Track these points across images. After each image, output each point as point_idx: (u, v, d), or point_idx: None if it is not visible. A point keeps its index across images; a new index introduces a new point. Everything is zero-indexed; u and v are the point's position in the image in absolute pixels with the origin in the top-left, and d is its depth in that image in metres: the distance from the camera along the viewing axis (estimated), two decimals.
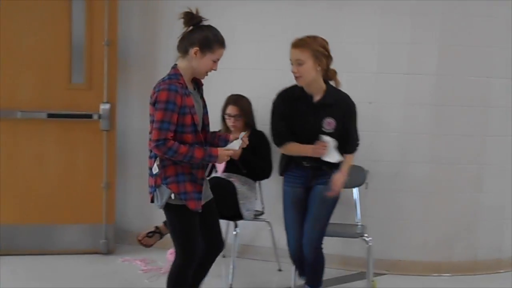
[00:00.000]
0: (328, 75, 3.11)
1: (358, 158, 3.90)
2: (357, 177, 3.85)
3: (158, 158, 2.75)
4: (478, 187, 4.15)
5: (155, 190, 2.80)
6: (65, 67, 4.21)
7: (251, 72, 4.25)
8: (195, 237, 2.85)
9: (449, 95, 4.05)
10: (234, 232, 3.78)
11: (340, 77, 3.99)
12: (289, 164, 3.22)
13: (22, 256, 4.15)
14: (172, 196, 2.76)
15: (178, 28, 4.40)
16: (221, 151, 2.79)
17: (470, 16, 3.99)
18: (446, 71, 4.02)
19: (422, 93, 4.03)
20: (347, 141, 3.14)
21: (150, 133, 2.74)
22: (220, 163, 2.91)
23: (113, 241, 4.36)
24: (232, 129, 3.96)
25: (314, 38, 3.02)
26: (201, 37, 2.74)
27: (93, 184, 4.29)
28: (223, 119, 4.00)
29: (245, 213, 3.78)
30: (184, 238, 2.84)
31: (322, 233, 3.17)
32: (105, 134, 4.26)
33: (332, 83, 3.18)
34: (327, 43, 3.06)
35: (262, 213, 4.06)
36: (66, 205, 4.28)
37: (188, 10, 2.77)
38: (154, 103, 2.71)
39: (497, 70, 4.09)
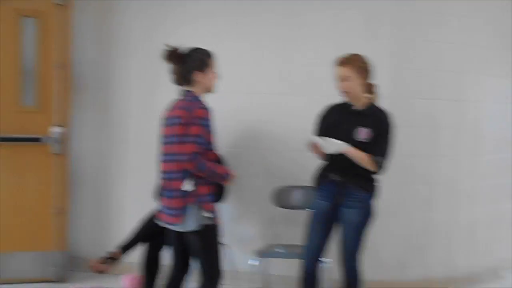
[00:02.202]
0: (369, 88, 3.25)
1: (308, 180, 3.90)
2: (310, 198, 3.85)
3: (189, 177, 2.79)
4: (429, 206, 4.22)
5: (184, 211, 2.79)
6: (14, 88, 4.08)
7: (215, 95, 4.21)
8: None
9: (400, 116, 4.08)
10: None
11: (297, 99, 4.05)
12: (320, 177, 3.31)
13: None
14: (207, 214, 2.82)
15: (134, 49, 4.41)
16: (233, 175, 2.98)
17: (419, 40, 4.11)
18: (397, 93, 4.08)
19: None
20: (370, 150, 3.12)
21: (174, 154, 2.79)
22: (228, 184, 3.03)
23: (65, 269, 4.21)
24: None
25: (356, 55, 3.21)
26: (195, 62, 2.91)
27: (44, 209, 4.14)
28: None
29: None
30: (216, 258, 2.92)
31: (354, 252, 3.23)
32: (57, 158, 4.14)
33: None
34: (368, 59, 3.23)
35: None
36: (15, 231, 4.10)
37: (168, 49, 2.91)
38: (188, 121, 2.77)
39: (445, 92, 4.21)
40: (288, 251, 3.75)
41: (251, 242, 4.14)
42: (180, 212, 2.80)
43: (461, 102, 4.28)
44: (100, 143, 4.48)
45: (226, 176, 2.93)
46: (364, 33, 4.07)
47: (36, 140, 4.08)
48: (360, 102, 3.21)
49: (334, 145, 3.07)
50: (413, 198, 4.19)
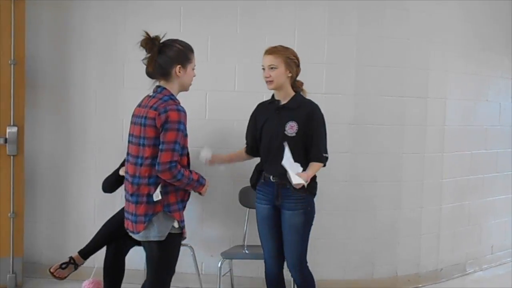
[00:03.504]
0: (296, 85, 3.28)
1: None
2: None
3: (161, 184, 2.67)
4: (396, 204, 4.28)
5: (150, 219, 2.67)
6: None
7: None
8: None
9: (367, 114, 4.18)
10: None
11: (261, 96, 4.08)
12: (259, 178, 3.31)
13: None
14: (176, 224, 2.71)
15: (94, 45, 4.34)
16: (207, 181, 2.86)
17: (385, 37, 4.16)
18: (363, 91, 4.15)
19: (341, 112, 4.12)
20: (310, 149, 3.16)
21: (147, 158, 2.65)
22: (204, 192, 2.91)
23: (22, 275, 4.11)
24: None
25: (286, 47, 3.26)
26: (176, 53, 2.76)
27: (0, 214, 4.04)
28: None
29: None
30: (171, 271, 2.79)
31: (301, 256, 3.23)
32: (12, 159, 4.03)
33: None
34: (297, 54, 3.27)
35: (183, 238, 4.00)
36: None
37: (145, 36, 2.75)
38: (162, 125, 2.63)
39: (411, 90, 4.27)
40: (255, 253, 3.73)
41: (217, 243, 4.14)
42: (145, 219, 2.67)
43: (427, 99, 4.34)
44: (56, 143, 4.37)
45: (201, 180, 2.81)
46: (328, 29, 4.09)
47: None
48: (285, 95, 3.24)
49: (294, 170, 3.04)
50: (381, 196, 4.24)
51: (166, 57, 2.74)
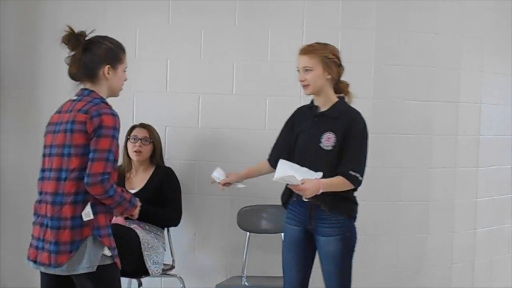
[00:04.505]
0: (340, 87, 3.17)
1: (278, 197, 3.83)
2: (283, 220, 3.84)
3: (90, 202, 2.58)
4: (423, 228, 4.19)
5: (78, 247, 2.55)
6: None
7: (156, 96, 4.15)
8: None
9: (387, 121, 4.10)
10: None
11: (263, 100, 4.03)
12: (291, 196, 3.22)
13: None
14: (107, 252, 2.60)
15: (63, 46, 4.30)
16: (138, 200, 2.79)
17: (409, 31, 4.11)
18: (383, 94, 4.08)
19: None
20: (340, 161, 3.03)
21: (74, 170, 2.57)
22: (136, 215, 2.85)
23: None
24: (135, 157, 3.83)
25: (324, 44, 3.16)
26: (104, 52, 2.73)
27: None
28: (125, 146, 3.87)
29: (151, 267, 3.65)
30: None
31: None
32: None
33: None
34: (338, 51, 3.16)
35: (172, 267, 3.93)
36: None
37: (68, 32, 2.72)
38: (94, 130, 2.57)
39: (440, 93, 4.20)
40: (255, 285, 3.73)
41: (211, 273, 4.10)
42: (71, 248, 2.53)
43: (458, 104, 4.27)
44: (24, 155, 4.32)
45: (133, 200, 2.73)
46: (342, 22, 4.04)
47: None
48: (326, 101, 3.15)
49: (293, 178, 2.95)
50: (405, 218, 4.14)
51: (93, 56, 2.70)
